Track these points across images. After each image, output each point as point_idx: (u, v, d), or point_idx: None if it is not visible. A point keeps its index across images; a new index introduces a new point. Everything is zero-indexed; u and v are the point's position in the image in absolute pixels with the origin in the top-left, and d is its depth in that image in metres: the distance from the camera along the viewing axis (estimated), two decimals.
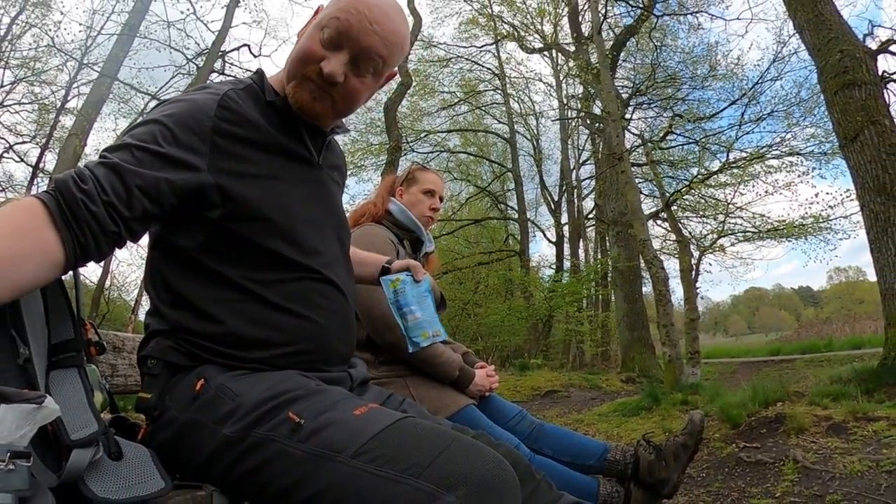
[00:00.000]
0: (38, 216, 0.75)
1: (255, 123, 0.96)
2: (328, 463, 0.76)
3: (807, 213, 10.99)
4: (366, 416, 0.81)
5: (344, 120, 1.16)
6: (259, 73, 1.06)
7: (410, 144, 13.55)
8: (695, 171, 11.42)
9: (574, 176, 16.80)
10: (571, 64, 13.33)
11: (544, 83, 20.34)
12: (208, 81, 1.05)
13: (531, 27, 14.73)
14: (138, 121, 0.93)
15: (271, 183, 0.97)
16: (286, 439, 0.80)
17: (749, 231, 11.73)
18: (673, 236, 12.49)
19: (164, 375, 0.93)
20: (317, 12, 1.01)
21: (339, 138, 1.22)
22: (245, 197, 0.93)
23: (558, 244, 16.29)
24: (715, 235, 11.66)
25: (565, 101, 16.17)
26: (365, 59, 0.96)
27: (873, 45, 5.33)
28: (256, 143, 0.96)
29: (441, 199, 2.04)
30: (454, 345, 2.00)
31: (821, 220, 10.85)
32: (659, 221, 12.50)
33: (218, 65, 11.72)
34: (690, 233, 12.50)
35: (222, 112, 0.93)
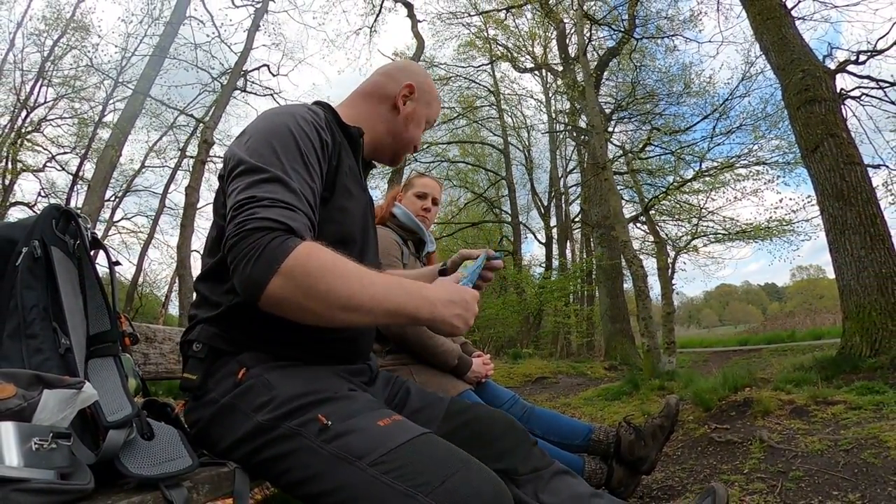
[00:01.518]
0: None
1: (339, 144, 1.01)
2: (347, 466, 0.76)
3: (772, 216, 11.01)
4: (388, 428, 0.81)
5: None
6: (327, 106, 1.09)
7: (414, 155, 13.54)
8: (671, 178, 11.43)
9: (562, 183, 16.80)
10: (559, 82, 13.31)
11: (535, 99, 20.32)
12: (296, 102, 1.05)
13: (523, 49, 14.74)
14: (274, 139, 0.91)
15: (344, 194, 1.00)
16: (313, 437, 0.79)
17: (720, 233, 11.73)
18: (651, 238, 12.54)
19: (208, 359, 0.93)
20: (411, 87, 1.13)
21: None
22: (332, 202, 0.96)
23: (548, 245, 16.29)
24: (689, 237, 11.67)
25: (554, 115, 16.15)
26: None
27: (832, 65, 5.33)
28: (340, 161, 1.00)
29: (435, 202, 2.01)
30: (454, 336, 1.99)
31: (784, 224, 10.85)
32: (639, 224, 12.51)
33: (240, 83, 11.72)
34: (667, 234, 12.53)
35: (325, 131, 0.98)
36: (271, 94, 12.67)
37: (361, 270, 0.80)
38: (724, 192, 11.36)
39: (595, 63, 11.03)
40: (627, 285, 11.68)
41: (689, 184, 11.10)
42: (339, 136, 1.03)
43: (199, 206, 9.96)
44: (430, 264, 2.01)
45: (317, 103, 1.10)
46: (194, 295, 1.02)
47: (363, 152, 1.12)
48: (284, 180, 0.84)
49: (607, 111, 11.75)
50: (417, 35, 10.72)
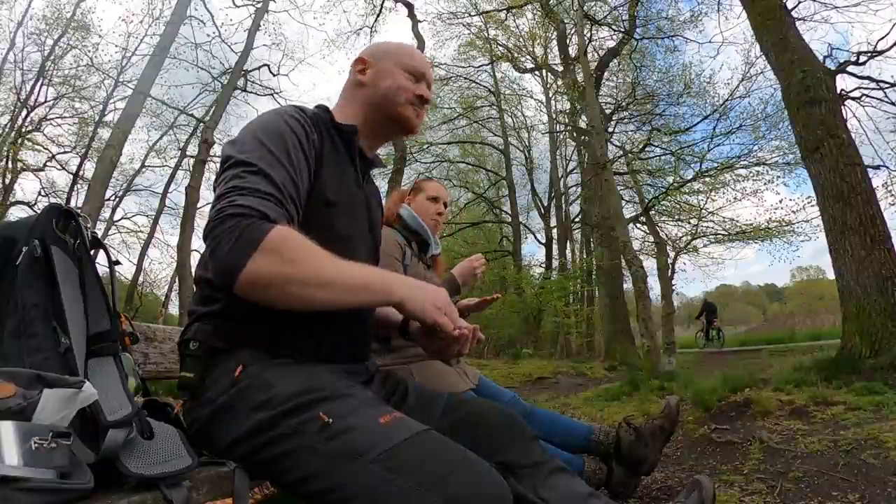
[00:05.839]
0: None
1: (329, 143, 1.03)
2: (349, 463, 0.76)
3: (772, 217, 11.02)
4: (389, 426, 0.81)
5: None
6: (324, 108, 1.12)
7: (414, 155, 13.52)
8: (671, 179, 11.41)
9: (562, 183, 16.82)
10: (560, 82, 13.32)
11: (535, 100, 20.39)
12: (288, 105, 1.08)
13: (523, 49, 14.76)
14: (257, 139, 0.94)
15: (328, 193, 1.00)
16: (314, 435, 0.79)
17: (720, 234, 11.75)
18: (651, 238, 12.53)
19: (205, 357, 0.93)
20: (360, 61, 1.14)
21: None
22: (315, 199, 0.98)
23: (548, 245, 16.29)
24: (689, 237, 11.70)
25: (554, 115, 16.17)
26: (429, 84, 1.16)
27: (832, 66, 5.33)
28: (328, 160, 1.02)
29: (445, 205, 2.01)
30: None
31: (784, 224, 10.86)
32: (639, 225, 12.52)
33: (241, 83, 11.73)
34: (667, 235, 12.53)
35: (312, 130, 1.00)
36: (271, 94, 12.71)
37: (333, 255, 0.85)
38: (724, 193, 11.40)
39: (595, 63, 11.04)
40: (627, 286, 11.69)
41: (689, 184, 11.11)
42: (329, 136, 1.05)
43: (199, 205, 9.97)
44: (437, 269, 2.01)
45: (318, 107, 1.12)
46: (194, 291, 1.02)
47: (362, 149, 1.12)
48: (267, 173, 0.87)
49: (607, 111, 11.75)
50: (418, 35, 10.74)
